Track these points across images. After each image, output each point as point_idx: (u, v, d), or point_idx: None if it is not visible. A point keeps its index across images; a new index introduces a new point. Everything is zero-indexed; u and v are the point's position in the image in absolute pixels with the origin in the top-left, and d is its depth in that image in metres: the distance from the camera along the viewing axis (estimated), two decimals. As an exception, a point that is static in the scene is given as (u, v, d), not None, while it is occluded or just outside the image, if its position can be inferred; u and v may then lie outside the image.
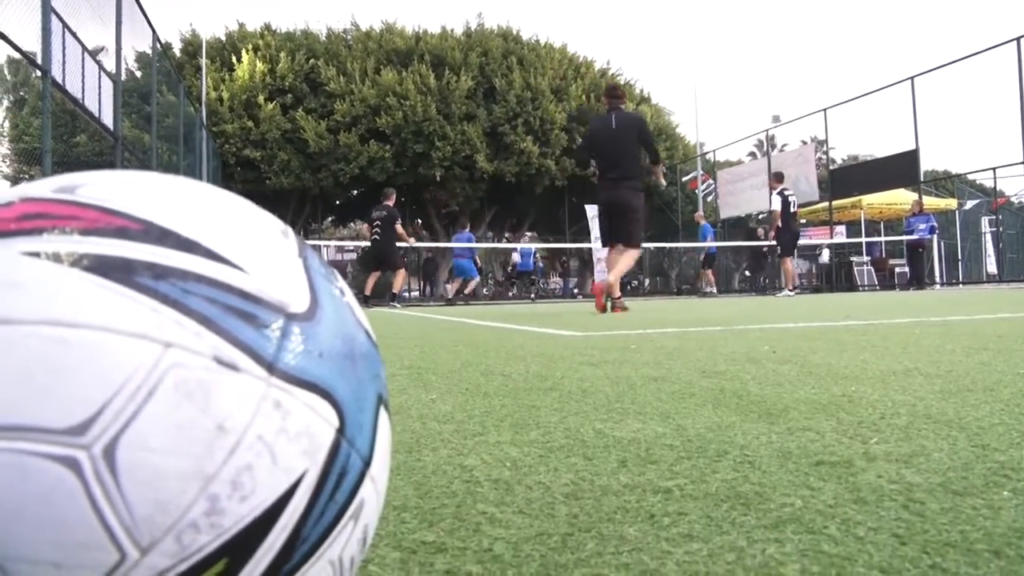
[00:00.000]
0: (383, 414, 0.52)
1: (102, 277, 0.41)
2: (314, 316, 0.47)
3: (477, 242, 25.11)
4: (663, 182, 8.26)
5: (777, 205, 13.55)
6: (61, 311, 0.40)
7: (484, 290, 25.35)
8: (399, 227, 12.49)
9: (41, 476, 0.38)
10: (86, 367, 0.39)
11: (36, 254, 0.41)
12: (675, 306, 9.76)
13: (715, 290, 17.68)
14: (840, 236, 21.61)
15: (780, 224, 13.52)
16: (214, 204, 0.49)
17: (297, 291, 0.47)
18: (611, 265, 7.24)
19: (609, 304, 7.00)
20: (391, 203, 12.55)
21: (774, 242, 14.28)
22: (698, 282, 18.11)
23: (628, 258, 7.19)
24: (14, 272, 0.41)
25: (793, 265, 13.97)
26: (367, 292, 12.77)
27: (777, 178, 14.19)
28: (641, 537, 0.81)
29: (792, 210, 13.71)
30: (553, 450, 1.24)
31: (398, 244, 12.60)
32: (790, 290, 13.58)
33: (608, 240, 7.34)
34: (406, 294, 28.07)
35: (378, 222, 12.40)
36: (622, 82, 25.92)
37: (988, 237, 23.04)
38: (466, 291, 16.34)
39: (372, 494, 0.50)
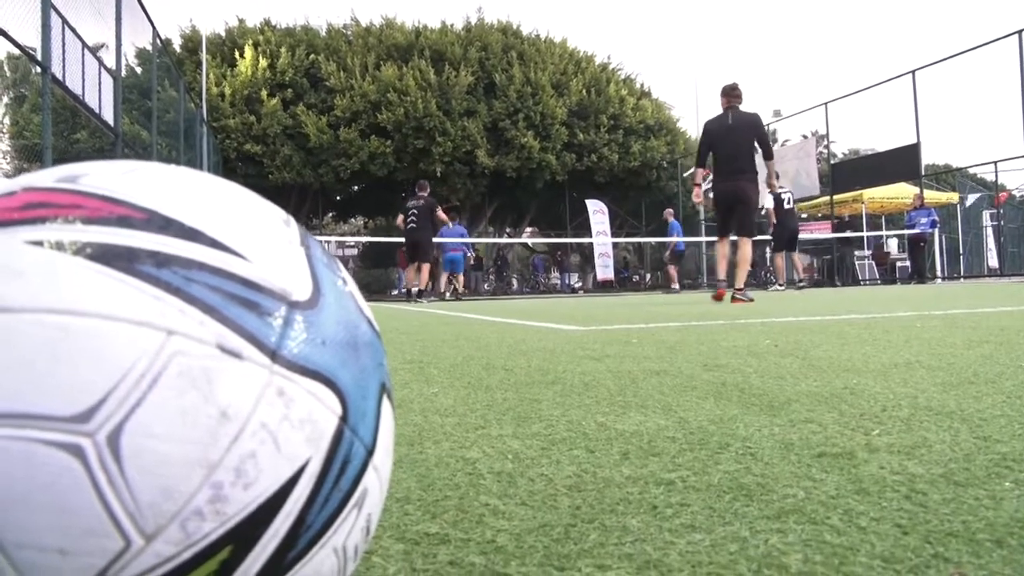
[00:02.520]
0: (386, 403, 0.52)
1: (105, 265, 0.41)
2: (317, 304, 0.47)
3: (477, 237, 25.14)
4: (775, 182, 8.64)
5: (769, 203, 13.64)
6: (64, 299, 0.40)
7: (485, 285, 25.35)
8: (440, 212, 12.43)
9: (46, 464, 0.38)
10: (90, 355, 0.39)
11: (39, 243, 0.42)
12: (665, 301, 9.76)
13: (678, 287, 17.71)
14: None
15: (775, 220, 13.63)
16: (216, 193, 0.49)
17: (300, 279, 0.47)
18: (723, 256, 7.81)
19: (730, 295, 7.41)
20: (426, 193, 12.47)
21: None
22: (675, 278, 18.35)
23: (747, 248, 7.62)
24: (17, 261, 0.41)
25: (785, 261, 13.98)
26: (421, 287, 12.58)
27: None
28: (644, 528, 0.81)
29: (787, 206, 13.74)
30: (555, 443, 1.24)
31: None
32: (780, 285, 13.58)
33: (724, 232, 7.76)
34: (405, 290, 28.14)
35: (414, 211, 12.29)
36: (623, 77, 25.88)
37: (989, 231, 23.02)
38: (459, 287, 16.20)
39: (375, 482, 0.50)
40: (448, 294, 15.72)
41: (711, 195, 8.85)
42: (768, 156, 7.89)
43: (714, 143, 7.70)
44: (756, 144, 7.63)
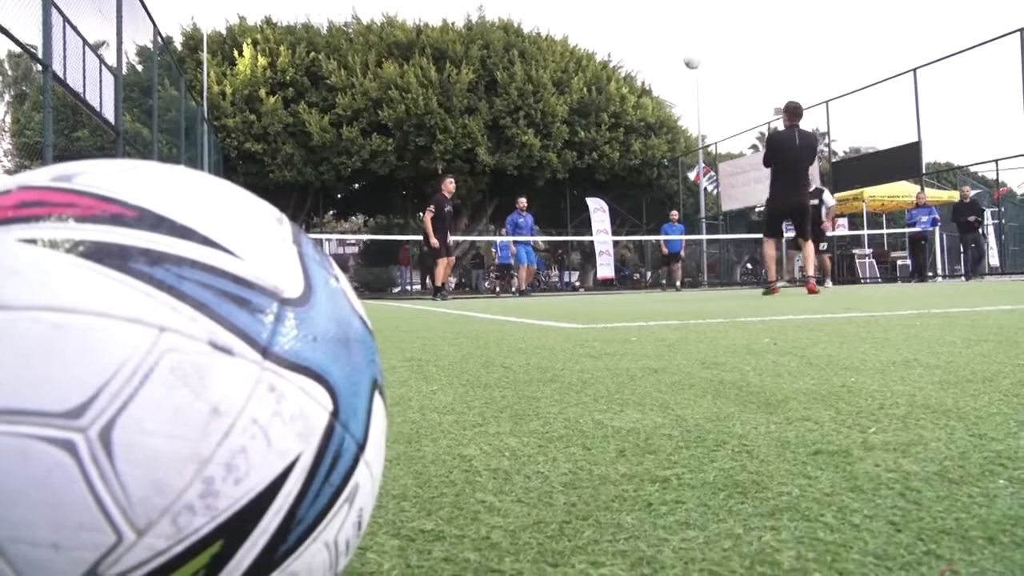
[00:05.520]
0: (378, 399, 0.53)
1: (98, 263, 0.41)
2: (308, 301, 0.48)
3: (478, 235, 25.15)
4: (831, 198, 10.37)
5: (831, 201, 14.29)
6: (57, 297, 0.40)
7: (486, 283, 25.36)
8: (425, 216, 12.13)
9: (39, 459, 0.38)
10: (82, 352, 0.39)
11: (33, 241, 0.42)
12: (667, 298, 9.76)
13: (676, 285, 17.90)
14: (842, 229, 21.55)
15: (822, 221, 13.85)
16: (209, 192, 0.49)
17: (291, 277, 0.48)
18: (771, 256, 9.12)
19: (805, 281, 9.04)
20: (443, 190, 12.24)
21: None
22: (672, 277, 18.57)
23: (812, 250, 9.10)
24: (11, 259, 0.41)
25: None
26: (438, 283, 12.46)
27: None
28: (638, 525, 0.81)
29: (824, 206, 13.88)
30: (552, 440, 1.25)
31: (445, 232, 12.18)
32: (828, 282, 13.68)
33: (775, 234, 9.17)
34: (408, 286, 28.12)
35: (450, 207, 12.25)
36: (623, 75, 25.87)
37: (990, 229, 22.99)
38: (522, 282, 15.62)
39: (367, 478, 0.51)
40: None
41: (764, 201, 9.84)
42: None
43: (780, 156, 8.72)
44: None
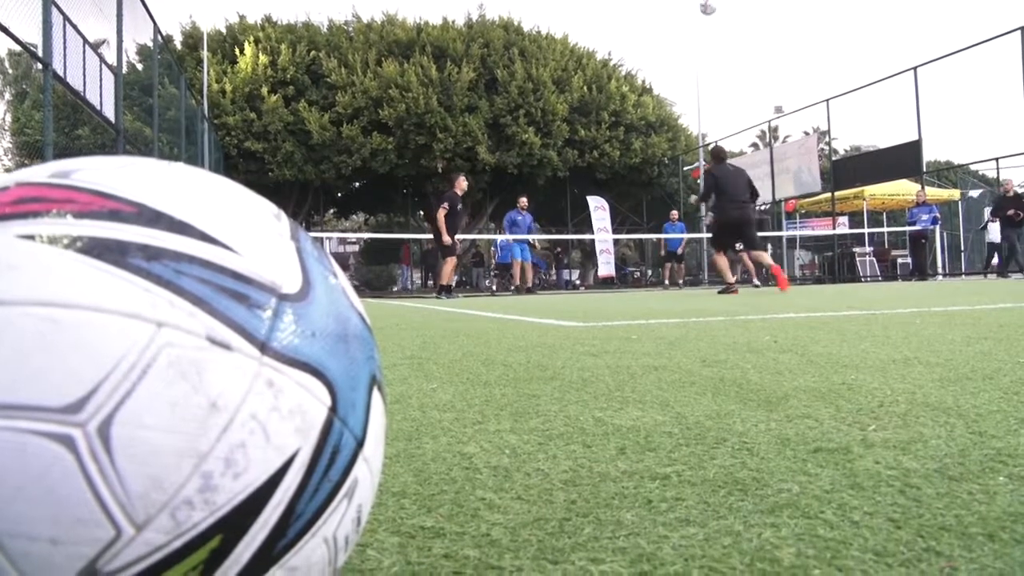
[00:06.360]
0: (376, 395, 0.53)
1: (96, 259, 0.41)
2: (306, 297, 0.48)
3: (479, 234, 25.15)
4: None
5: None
6: (56, 292, 0.40)
7: (487, 282, 25.35)
8: (439, 213, 11.76)
9: (38, 454, 0.38)
10: (81, 347, 0.39)
11: (31, 237, 0.42)
12: (671, 297, 9.76)
13: (679, 283, 18.00)
14: (843, 227, 21.55)
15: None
16: (207, 187, 0.49)
17: (289, 272, 0.48)
18: (723, 265, 10.43)
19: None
20: (455, 188, 11.97)
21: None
22: (673, 276, 18.69)
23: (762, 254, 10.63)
24: (10, 254, 0.41)
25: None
26: (443, 282, 12.35)
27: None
28: (638, 522, 0.81)
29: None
30: (552, 438, 1.25)
31: (454, 230, 11.96)
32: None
33: (721, 246, 10.54)
34: (409, 285, 28.09)
35: (434, 206, 12.09)
36: (624, 73, 25.85)
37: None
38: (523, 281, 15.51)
39: (366, 473, 0.51)
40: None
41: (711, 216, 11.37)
42: (755, 195, 10.68)
43: (723, 184, 10.19)
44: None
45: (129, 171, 0.48)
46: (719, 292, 10.07)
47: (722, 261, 10.51)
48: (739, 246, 10.50)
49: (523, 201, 15.42)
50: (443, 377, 2.04)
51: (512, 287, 15.63)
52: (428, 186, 24.92)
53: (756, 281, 14.02)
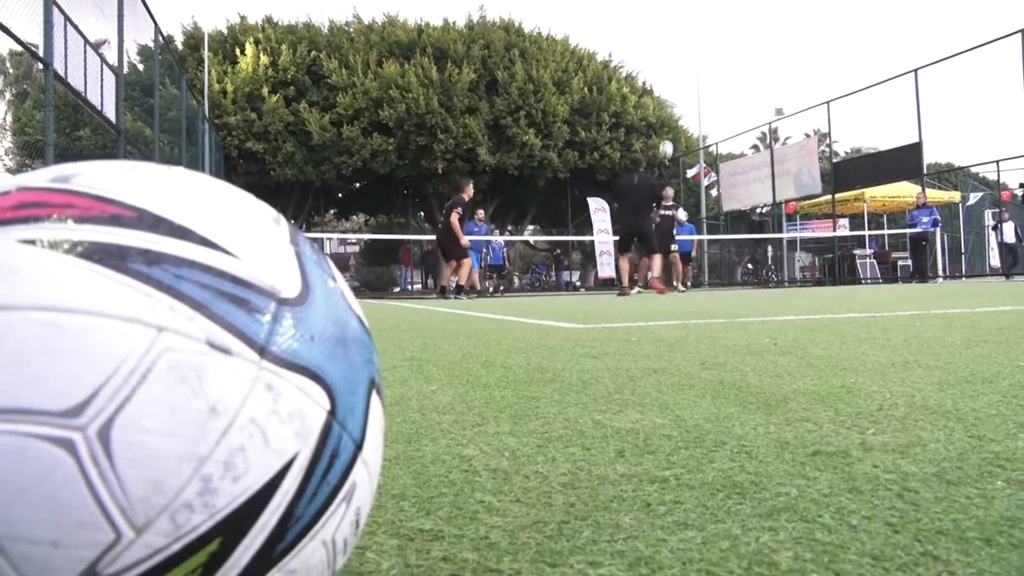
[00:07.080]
0: (375, 398, 0.53)
1: (96, 263, 0.42)
2: (305, 301, 0.48)
3: (478, 235, 25.14)
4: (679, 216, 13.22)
5: (682, 215, 16.61)
6: (56, 297, 0.40)
7: (487, 283, 25.33)
8: (452, 216, 11.99)
9: (39, 457, 0.38)
10: (81, 351, 0.39)
11: (32, 241, 0.42)
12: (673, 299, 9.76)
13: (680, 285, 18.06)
14: (843, 229, 21.55)
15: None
16: (207, 192, 0.50)
17: (289, 277, 0.48)
18: (624, 268, 11.63)
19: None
20: (463, 194, 12.28)
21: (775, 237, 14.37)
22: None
23: (657, 260, 11.69)
24: (11, 259, 0.42)
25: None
26: (443, 283, 12.52)
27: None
28: (636, 525, 0.82)
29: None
30: (552, 440, 1.25)
31: (464, 235, 12.23)
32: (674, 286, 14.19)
33: (625, 250, 11.66)
34: (409, 286, 28.08)
35: (445, 210, 12.28)
36: (624, 75, 25.86)
37: (991, 230, 22.94)
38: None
39: (365, 477, 0.51)
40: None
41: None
42: (658, 203, 12.21)
43: (623, 196, 11.49)
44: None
45: (130, 176, 0.48)
46: (617, 295, 11.10)
47: (624, 264, 11.61)
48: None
49: (480, 214, 16.94)
50: (443, 379, 2.04)
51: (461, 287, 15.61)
52: (428, 187, 24.94)
53: (679, 286, 14.52)
